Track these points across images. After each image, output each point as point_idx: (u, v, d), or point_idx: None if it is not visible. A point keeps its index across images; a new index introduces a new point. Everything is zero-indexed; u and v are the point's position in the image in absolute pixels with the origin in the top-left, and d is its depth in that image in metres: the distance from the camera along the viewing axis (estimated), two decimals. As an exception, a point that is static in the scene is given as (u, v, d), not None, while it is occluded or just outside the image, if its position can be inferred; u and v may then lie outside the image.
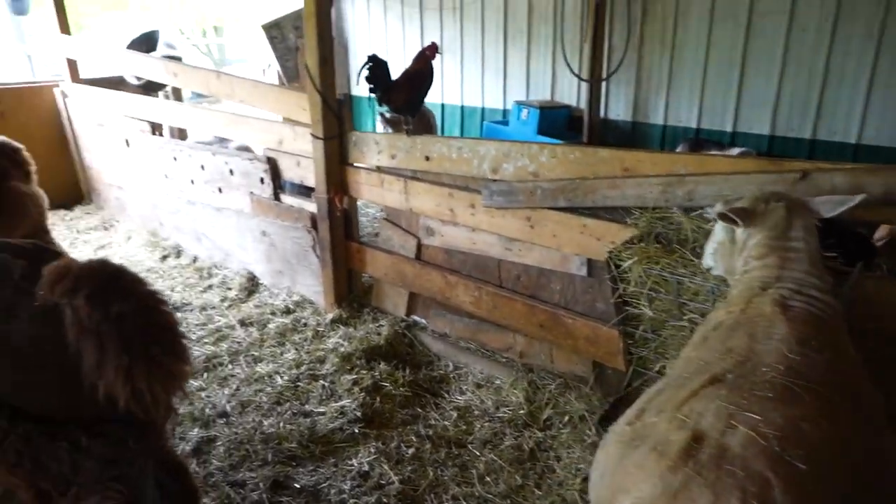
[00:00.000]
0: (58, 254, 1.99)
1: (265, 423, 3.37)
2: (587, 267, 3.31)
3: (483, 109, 7.86)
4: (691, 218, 2.68)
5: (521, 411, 3.44)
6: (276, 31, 8.38)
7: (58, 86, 6.70)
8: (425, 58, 3.72)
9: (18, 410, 1.68)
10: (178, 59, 6.97)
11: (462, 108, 8.05)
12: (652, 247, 2.58)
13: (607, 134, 6.69)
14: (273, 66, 8.59)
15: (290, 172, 4.60)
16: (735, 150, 4.90)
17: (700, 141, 5.80)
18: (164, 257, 5.58)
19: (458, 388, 3.74)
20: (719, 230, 2.26)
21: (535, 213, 3.36)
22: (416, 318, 4.29)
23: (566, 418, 3.36)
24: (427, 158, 3.75)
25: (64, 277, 1.60)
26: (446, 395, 3.69)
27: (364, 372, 3.75)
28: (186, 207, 5.50)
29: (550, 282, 3.53)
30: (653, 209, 2.83)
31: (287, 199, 4.70)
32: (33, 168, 4.13)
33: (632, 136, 6.64)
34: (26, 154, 4.07)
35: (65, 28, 6.45)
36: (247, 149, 5.69)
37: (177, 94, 7.04)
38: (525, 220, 3.41)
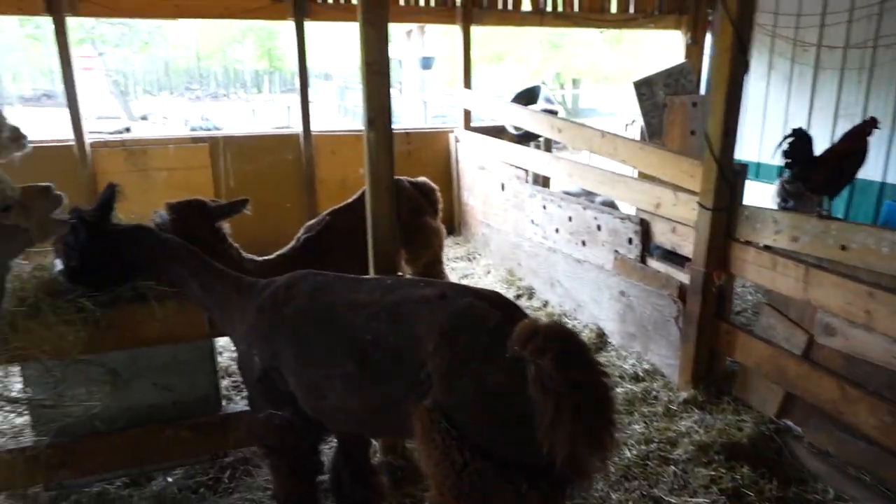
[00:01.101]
0: (522, 311, 2.18)
1: (613, 496, 3.26)
2: None
3: (883, 185, 6.65)
4: None
5: (939, 585, 2.69)
6: (646, 89, 8.40)
7: (452, 132, 7.77)
8: (860, 135, 3.24)
9: (478, 446, 1.87)
10: (554, 112, 7.51)
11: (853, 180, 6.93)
12: None
13: None
14: (637, 121, 8.65)
15: (662, 237, 4.48)
16: None
17: None
18: (518, 296, 5.96)
19: (841, 524, 3.12)
20: None
21: None
22: (788, 422, 3.74)
23: None
24: (843, 248, 3.24)
25: (534, 337, 1.74)
26: (824, 528, 3.10)
27: (723, 470, 3.38)
28: (546, 254, 5.80)
29: None
30: None
31: (653, 263, 4.58)
32: (440, 206, 4.81)
33: None
34: (438, 194, 4.76)
35: (468, 83, 7.47)
36: (611, 204, 5.77)
37: (547, 146, 7.56)
38: None
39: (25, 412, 3.07)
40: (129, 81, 28.08)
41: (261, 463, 3.40)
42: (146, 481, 3.30)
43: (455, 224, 7.88)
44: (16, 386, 3.07)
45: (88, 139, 6.52)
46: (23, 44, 23.70)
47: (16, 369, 3.02)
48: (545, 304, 5.74)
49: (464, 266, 6.92)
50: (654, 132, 8.33)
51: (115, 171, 6.43)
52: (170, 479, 3.31)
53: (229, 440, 3.18)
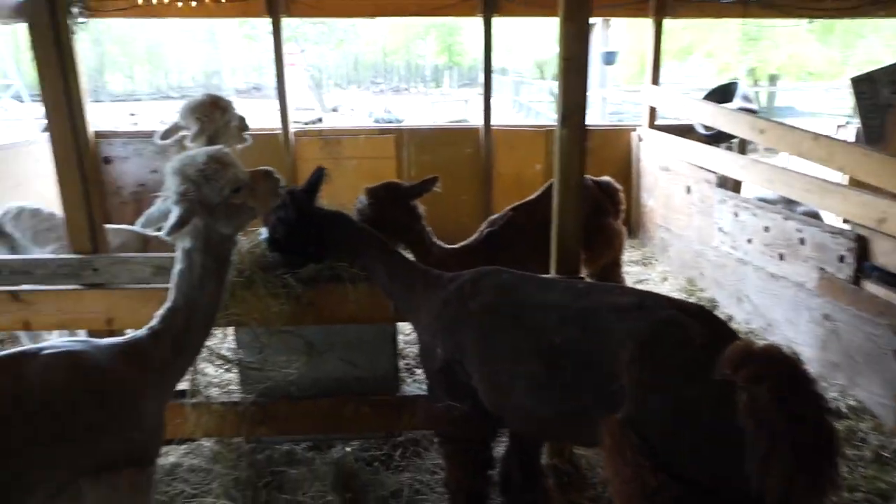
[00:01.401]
0: (732, 330, 2.01)
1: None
2: None
3: None
4: None
5: None
6: (867, 86, 7.38)
7: (635, 130, 7.43)
8: None
9: (673, 469, 1.75)
10: (753, 112, 6.87)
11: None
12: None
13: None
14: (852, 124, 7.65)
15: (884, 258, 3.90)
16: None
17: None
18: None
19: None
20: None
21: None
22: None
23: None
24: None
25: (748, 362, 1.58)
26: None
27: (951, 540, 2.88)
28: (734, 265, 5.33)
29: None
30: None
31: (869, 286, 4.01)
32: (623, 208, 4.62)
33: None
34: (622, 195, 4.57)
35: (655, 80, 7.08)
36: (814, 216, 5.16)
37: (741, 148, 6.95)
38: None
39: (234, 370, 3.46)
40: (324, 76, 30.62)
41: (430, 447, 3.52)
42: (327, 448, 3.57)
43: (631, 226, 7.54)
44: (227, 346, 3.47)
45: (292, 129, 7.19)
46: (240, 43, 26.91)
47: (231, 332, 3.41)
48: (729, 319, 5.28)
49: (638, 271, 6.61)
50: (873, 136, 7.29)
51: (312, 158, 7.02)
52: (348, 449, 3.54)
53: (404, 421, 3.32)
